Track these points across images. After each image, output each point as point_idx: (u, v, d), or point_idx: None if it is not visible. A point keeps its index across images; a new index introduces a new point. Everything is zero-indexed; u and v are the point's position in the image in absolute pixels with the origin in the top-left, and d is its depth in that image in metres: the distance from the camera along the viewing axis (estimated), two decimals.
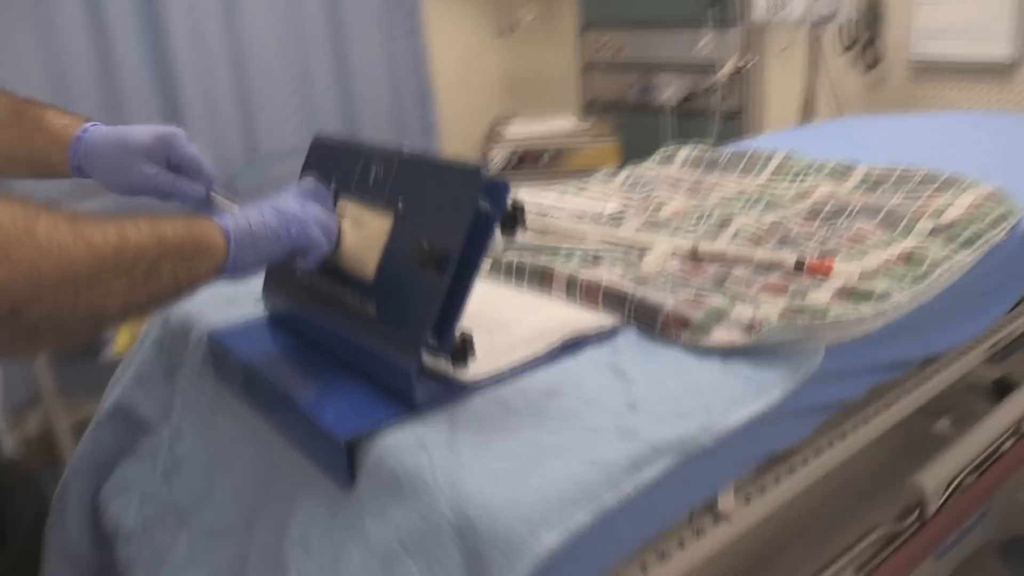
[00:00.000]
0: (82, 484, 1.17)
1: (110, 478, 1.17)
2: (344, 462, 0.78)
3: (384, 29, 2.93)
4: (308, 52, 2.80)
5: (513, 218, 0.82)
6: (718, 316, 0.91)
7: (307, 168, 1.02)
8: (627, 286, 0.99)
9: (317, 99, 2.86)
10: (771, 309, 0.93)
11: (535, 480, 0.69)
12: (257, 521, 0.90)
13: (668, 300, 0.94)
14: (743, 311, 0.91)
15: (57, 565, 1.14)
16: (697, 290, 1.01)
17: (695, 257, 1.14)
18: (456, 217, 0.80)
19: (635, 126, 2.90)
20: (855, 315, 0.91)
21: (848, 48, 2.29)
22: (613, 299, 0.98)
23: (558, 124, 2.86)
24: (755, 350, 0.87)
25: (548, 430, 0.76)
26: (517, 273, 1.10)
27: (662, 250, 1.15)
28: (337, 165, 0.97)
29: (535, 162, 2.72)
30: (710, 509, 0.87)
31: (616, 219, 1.35)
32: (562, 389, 0.83)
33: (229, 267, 0.80)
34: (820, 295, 0.99)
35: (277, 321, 1.05)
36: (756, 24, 2.41)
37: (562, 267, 1.07)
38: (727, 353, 0.88)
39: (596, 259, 1.14)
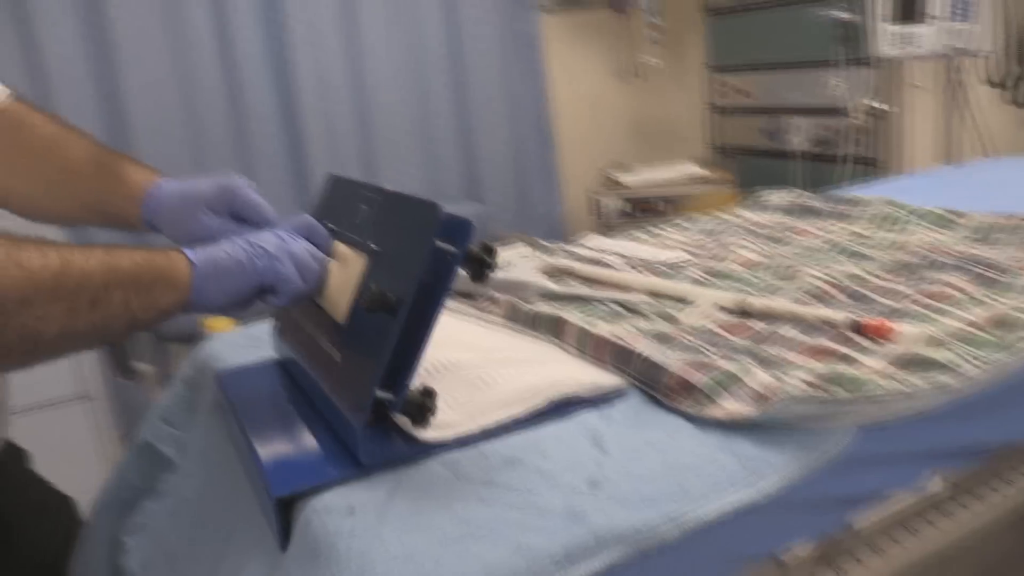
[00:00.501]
0: (107, 518, 1.17)
1: (132, 514, 1.16)
2: (277, 522, 0.72)
3: (505, 71, 2.93)
4: (429, 96, 2.84)
5: (480, 261, 0.74)
6: (729, 382, 0.78)
7: (319, 207, 0.98)
8: (638, 343, 0.87)
9: (437, 143, 2.89)
10: (801, 376, 0.79)
11: (448, 564, 0.60)
12: None
13: (675, 361, 0.82)
14: (761, 378, 0.78)
15: None
16: (725, 350, 0.88)
17: (743, 313, 1.01)
18: (412, 258, 0.73)
19: (763, 172, 2.72)
20: (903, 389, 0.76)
21: (997, 84, 2.04)
22: (620, 356, 0.87)
23: (676, 171, 2.73)
24: (768, 426, 0.73)
25: (490, 504, 0.67)
26: (534, 323, 1.01)
27: (705, 304, 1.02)
28: (339, 204, 0.93)
29: (650, 210, 2.61)
30: None
31: (676, 268, 1.22)
32: (525, 458, 0.73)
33: (194, 300, 0.77)
34: (872, 362, 0.83)
35: (282, 364, 1.02)
36: (889, 61, 2.19)
37: (577, 318, 0.97)
38: (733, 428, 0.74)
39: (631, 312, 1.03)
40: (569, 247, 1.39)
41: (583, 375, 0.85)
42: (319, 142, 2.68)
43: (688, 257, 1.28)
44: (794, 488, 0.69)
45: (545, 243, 1.40)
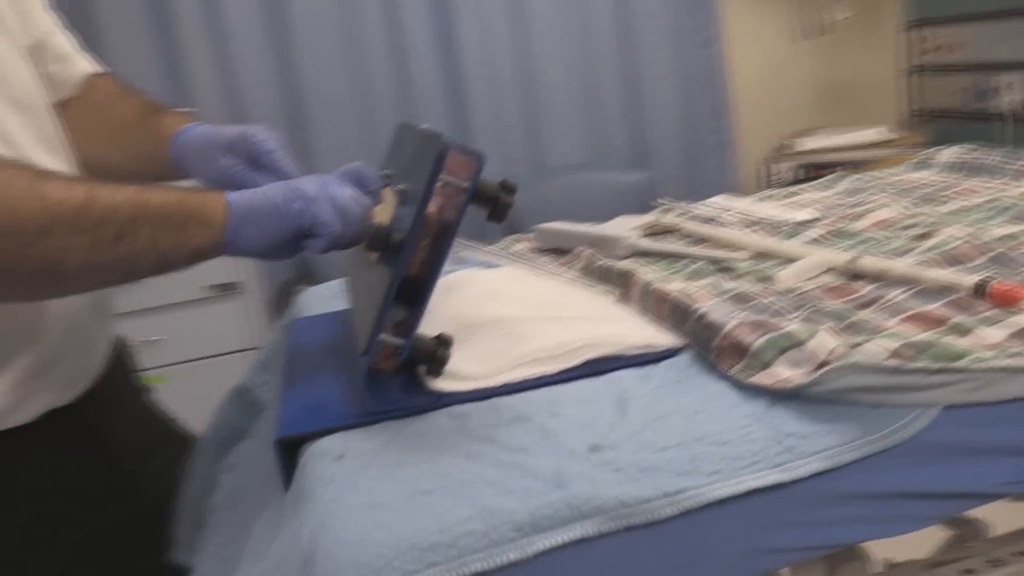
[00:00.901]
0: (208, 455, 1.21)
1: (228, 454, 1.20)
2: (279, 464, 0.69)
3: (678, 38, 2.78)
4: (595, 64, 2.76)
5: (494, 199, 0.67)
6: (787, 345, 0.65)
7: (386, 154, 0.95)
8: (702, 301, 0.76)
9: (604, 112, 2.80)
10: (886, 344, 0.65)
11: (406, 518, 0.54)
12: (248, 521, 0.84)
13: (733, 321, 0.70)
14: (828, 342, 0.65)
15: (184, 525, 1.19)
16: (809, 313, 0.75)
17: (854, 274, 0.86)
18: (417, 196, 0.67)
19: (968, 137, 2.39)
20: (1012, 364, 0.60)
21: None
22: (676, 314, 0.76)
23: (860, 136, 2.46)
24: (826, 400, 0.61)
25: (476, 461, 0.60)
26: (604, 276, 0.92)
27: (807, 264, 0.88)
28: (398, 150, 0.89)
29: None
30: None
31: (799, 228, 1.08)
32: (535, 415, 0.65)
33: (229, 242, 0.76)
34: (990, 332, 0.68)
35: (345, 313, 1.00)
36: None
37: (648, 274, 0.86)
38: (781, 399, 0.62)
39: (722, 271, 0.91)
40: (688, 206, 1.27)
41: (634, 335, 0.76)
42: (485, 116, 2.68)
43: (818, 216, 1.13)
44: (840, 476, 0.57)
45: (666, 202, 1.29)
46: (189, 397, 1.40)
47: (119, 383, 1.03)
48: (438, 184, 0.65)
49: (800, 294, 0.82)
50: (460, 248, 0.77)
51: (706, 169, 2.86)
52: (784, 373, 0.63)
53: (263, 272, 2.41)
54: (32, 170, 0.68)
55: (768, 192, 1.32)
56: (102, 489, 0.94)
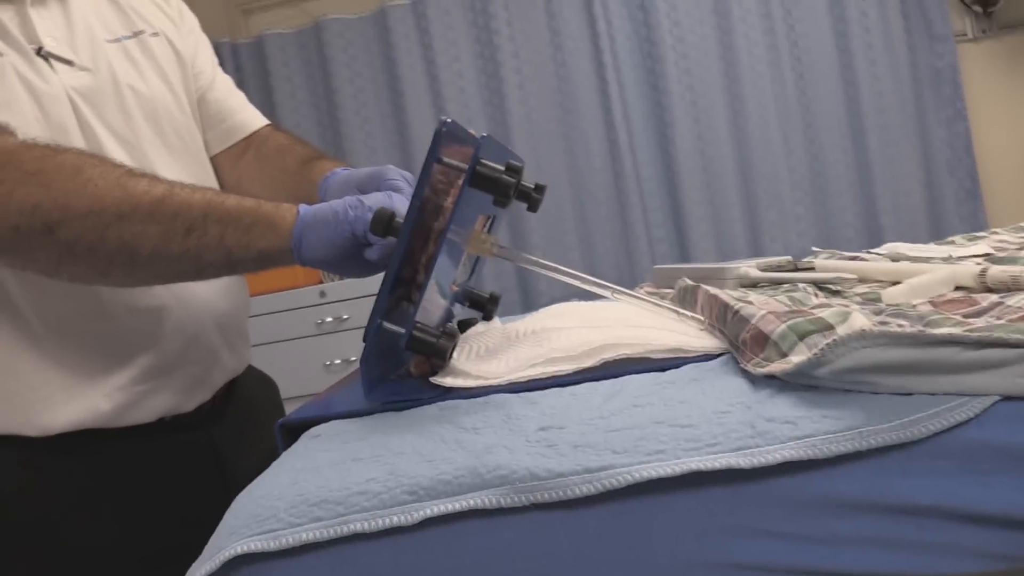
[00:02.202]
0: None
1: None
2: (280, 447, 0.68)
3: (914, 113, 2.55)
4: (821, 148, 2.61)
5: (492, 180, 0.63)
6: (808, 331, 0.53)
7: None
8: (745, 304, 0.66)
9: (831, 199, 2.62)
10: (950, 330, 0.51)
11: (327, 478, 0.50)
12: None
13: (761, 311, 0.59)
14: (857, 322, 0.52)
15: None
16: (885, 316, 0.62)
17: (984, 285, 0.70)
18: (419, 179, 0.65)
19: None
20: None
21: None
22: (720, 315, 0.66)
23: None
24: (839, 387, 0.48)
25: (423, 436, 0.55)
26: (683, 297, 0.82)
27: (928, 280, 0.73)
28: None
29: None
30: None
31: (959, 262, 0.91)
32: (513, 405, 0.58)
33: (295, 248, 0.79)
34: None
35: None
36: None
37: (716, 288, 0.76)
38: (787, 387, 0.51)
39: (831, 293, 0.79)
40: (847, 252, 1.12)
41: (661, 337, 0.66)
42: (700, 207, 2.62)
43: (990, 252, 0.94)
44: (831, 475, 0.44)
45: (816, 248, 1.15)
46: None
47: (251, 410, 1.07)
48: (431, 163, 0.63)
49: (901, 308, 0.68)
50: (568, 277, 0.73)
51: None
52: (796, 359, 0.52)
53: None
54: (127, 168, 0.76)
55: (952, 238, 1.13)
56: (214, 509, 0.98)
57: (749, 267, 0.93)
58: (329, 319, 2.40)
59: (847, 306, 0.61)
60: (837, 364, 0.48)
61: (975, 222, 2.53)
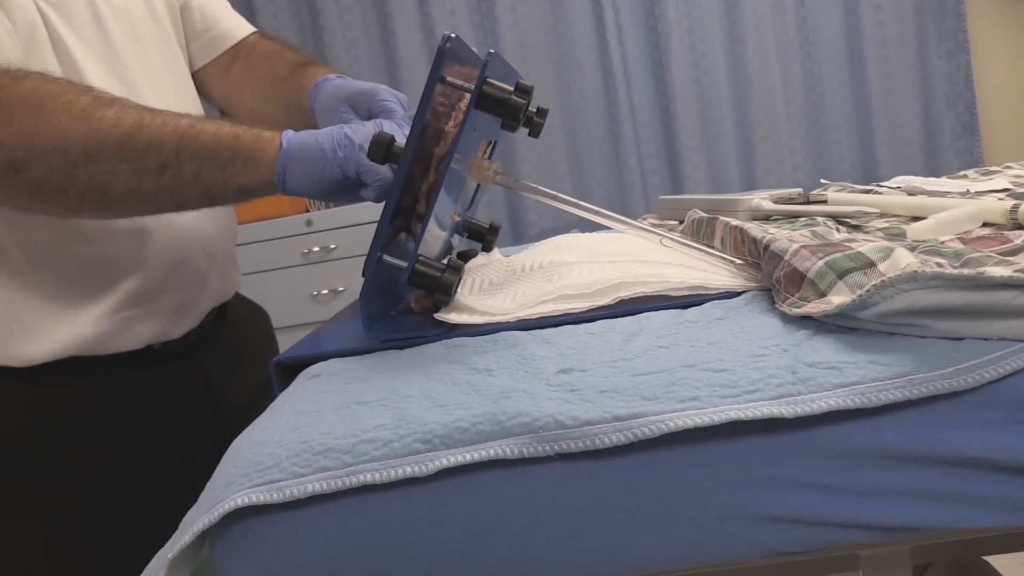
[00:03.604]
0: None
1: None
2: (275, 384, 0.65)
3: (919, 50, 2.49)
4: (818, 80, 2.54)
5: (500, 100, 0.58)
6: (848, 268, 0.49)
7: None
8: (771, 236, 0.62)
9: (827, 132, 2.57)
10: (999, 271, 0.47)
11: (331, 423, 0.47)
12: None
13: (795, 246, 0.56)
14: (901, 259, 0.48)
15: None
16: (919, 252, 0.58)
17: (1015, 222, 0.67)
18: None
19: None
20: None
21: None
22: (753, 248, 0.62)
23: None
24: (886, 330, 0.45)
25: (432, 379, 0.51)
26: (696, 228, 0.79)
27: (955, 215, 0.70)
28: None
29: None
30: None
31: (978, 197, 0.87)
32: (525, 345, 0.55)
33: (278, 182, 0.75)
34: None
35: None
36: None
37: (726, 218, 0.72)
38: (825, 329, 0.47)
39: (843, 226, 0.75)
40: (859, 186, 1.08)
41: (680, 275, 0.63)
42: (695, 137, 2.56)
43: (1008, 187, 0.91)
44: (879, 425, 0.41)
45: (824, 181, 1.12)
46: None
47: (244, 339, 1.04)
48: (434, 82, 0.58)
49: (932, 244, 0.65)
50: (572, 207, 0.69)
51: None
52: (837, 300, 0.48)
53: None
54: (95, 95, 0.70)
55: (964, 172, 1.10)
56: (206, 438, 0.95)
57: (762, 199, 0.89)
58: (316, 248, 2.34)
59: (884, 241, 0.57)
60: (884, 306, 0.44)
61: (971, 158, 2.49)
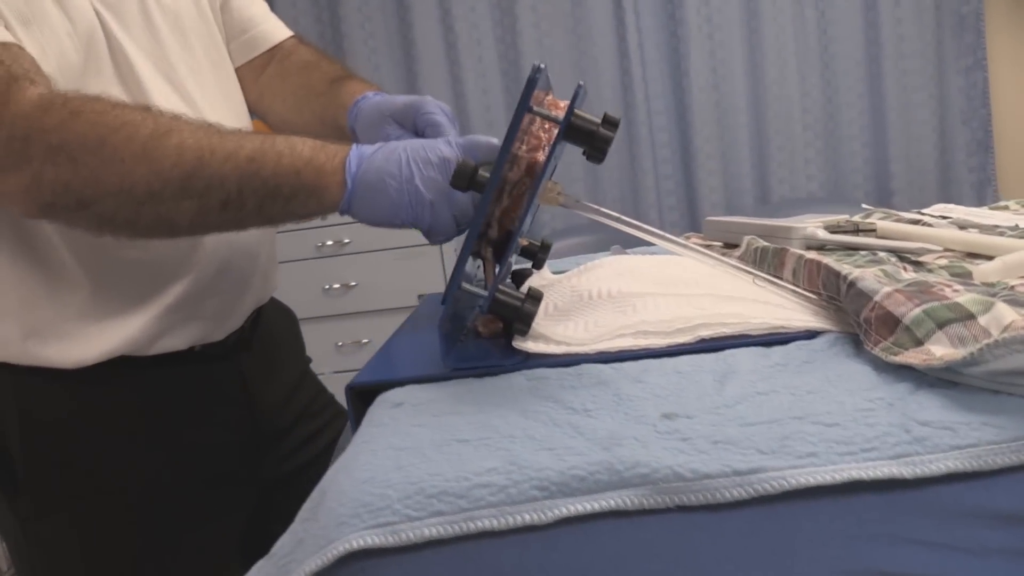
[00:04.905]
0: None
1: None
2: (349, 410, 0.65)
3: (937, 64, 2.50)
4: (836, 92, 2.55)
5: (589, 133, 0.59)
6: (948, 319, 0.50)
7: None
8: (856, 274, 0.62)
9: (843, 144, 2.58)
10: None
11: (431, 462, 0.47)
12: None
13: (885, 288, 0.56)
14: (1007, 316, 0.49)
15: None
16: (1001, 298, 0.58)
17: None
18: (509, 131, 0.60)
19: None
20: None
21: None
22: (830, 281, 0.63)
23: None
24: (987, 386, 0.46)
25: (529, 417, 0.51)
26: (760, 258, 0.79)
27: (1020, 257, 0.70)
28: None
29: None
30: None
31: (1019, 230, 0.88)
32: (618, 381, 0.55)
33: (343, 211, 0.75)
34: None
35: None
36: None
37: (797, 249, 0.73)
38: (930, 383, 0.48)
39: (916, 264, 0.76)
40: (901, 212, 1.09)
41: (761, 314, 0.63)
42: (710, 144, 2.57)
43: None
44: (989, 486, 0.42)
45: (865, 207, 1.12)
46: None
47: (274, 341, 1.05)
48: (522, 113, 0.58)
49: (1003, 289, 0.65)
50: (626, 227, 0.69)
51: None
52: (939, 352, 0.49)
53: None
54: (154, 123, 0.70)
55: (1005, 203, 1.10)
56: (241, 440, 0.96)
57: (815, 226, 0.90)
58: (330, 242, 2.34)
59: (987, 294, 0.57)
60: (994, 365, 0.45)
61: (983, 174, 2.51)
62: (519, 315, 0.61)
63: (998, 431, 0.42)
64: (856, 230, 0.95)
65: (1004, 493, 0.42)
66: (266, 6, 1.05)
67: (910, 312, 0.52)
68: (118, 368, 0.84)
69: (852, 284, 0.58)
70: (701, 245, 1.01)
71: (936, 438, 0.42)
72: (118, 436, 0.86)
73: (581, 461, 0.44)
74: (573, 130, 0.59)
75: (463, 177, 0.61)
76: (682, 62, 2.54)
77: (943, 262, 0.77)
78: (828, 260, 0.64)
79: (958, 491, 0.42)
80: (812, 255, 0.68)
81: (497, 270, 0.62)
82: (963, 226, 0.93)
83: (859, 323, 0.56)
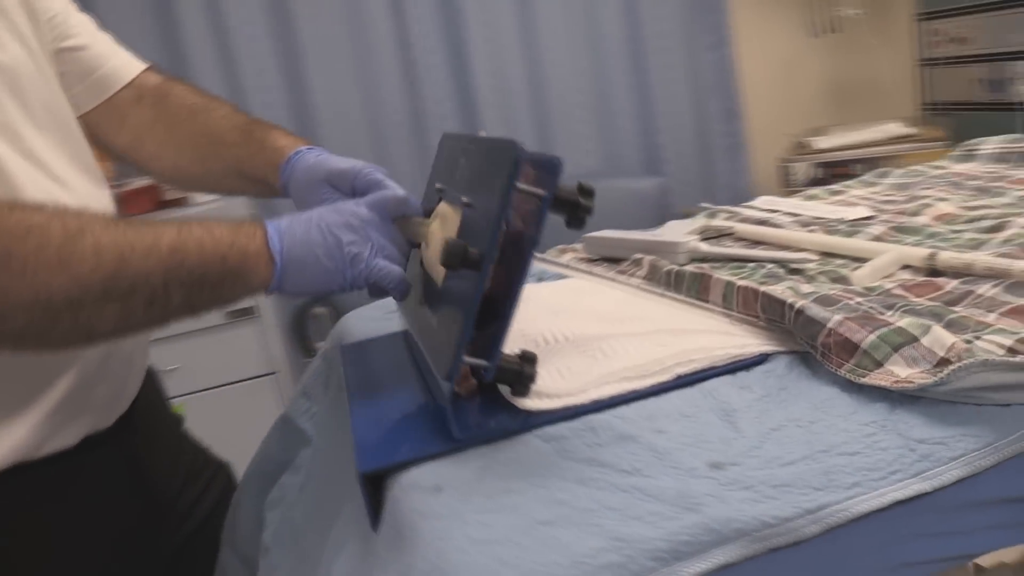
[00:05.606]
0: (252, 490, 1.18)
1: (273, 488, 1.16)
2: (365, 499, 0.66)
3: (688, 42, 2.77)
4: (605, 71, 2.74)
5: (572, 204, 0.64)
6: (901, 342, 0.62)
7: (433, 168, 0.92)
8: (801, 303, 0.73)
9: (616, 120, 2.79)
10: (1000, 340, 0.62)
11: (531, 552, 0.50)
12: (323, 556, 0.80)
13: (836, 315, 0.67)
14: (944, 338, 0.62)
15: (230, 560, 1.15)
16: (903, 312, 0.72)
17: (934, 271, 0.83)
18: (492, 206, 0.64)
19: (984, 129, 2.37)
20: None
21: None
22: (771, 309, 0.73)
23: (877, 132, 2.45)
24: (944, 400, 0.58)
25: (590, 486, 0.56)
26: (676, 282, 0.89)
27: (884, 260, 0.85)
28: (446, 161, 0.86)
29: (845, 176, 2.35)
30: None
31: (857, 226, 1.05)
32: (639, 434, 0.62)
33: (274, 290, 0.74)
34: None
35: (405, 335, 0.96)
36: None
37: (723, 274, 0.83)
38: (901, 400, 0.59)
39: (793, 272, 0.88)
40: (734, 208, 1.24)
41: (721, 344, 0.72)
42: (496, 128, 2.65)
43: (872, 214, 1.10)
44: (978, 482, 0.54)
45: (710, 206, 1.26)
46: (209, 425, 1.35)
47: (153, 411, 1.01)
48: (510, 191, 0.62)
49: (882, 293, 0.79)
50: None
51: (720, 172, 2.84)
52: (900, 372, 0.60)
53: (277, 298, 2.38)
54: (60, 227, 0.64)
55: (811, 191, 1.29)
56: (139, 520, 0.92)
57: (690, 237, 1.01)
58: None
59: (924, 317, 0.70)
60: (955, 384, 0.57)
61: (735, 140, 2.83)
62: (521, 380, 0.65)
63: (976, 439, 0.54)
64: (719, 235, 1.08)
65: (987, 486, 0.54)
66: (110, 40, 0.97)
67: (867, 338, 0.63)
68: (10, 477, 0.77)
69: (800, 312, 0.69)
70: (583, 261, 1.10)
71: (936, 453, 0.54)
72: (30, 552, 0.80)
73: (678, 526, 0.50)
74: (558, 202, 0.64)
75: (456, 257, 0.64)
76: (463, 47, 2.60)
77: (815, 267, 0.90)
78: (769, 289, 0.75)
79: (955, 490, 0.54)
80: (743, 283, 0.78)
81: (498, 339, 0.65)
82: (804, 224, 1.08)
83: (815, 347, 0.67)
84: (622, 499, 0.54)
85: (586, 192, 0.65)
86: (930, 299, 0.76)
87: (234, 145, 0.92)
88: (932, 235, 0.95)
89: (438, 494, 0.60)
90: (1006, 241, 0.86)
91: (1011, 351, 0.60)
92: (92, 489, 0.86)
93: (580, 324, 0.80)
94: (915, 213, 1.05)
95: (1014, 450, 0.54)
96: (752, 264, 0.92)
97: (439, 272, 0.75)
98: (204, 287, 0.69)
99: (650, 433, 0.61)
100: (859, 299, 0.76)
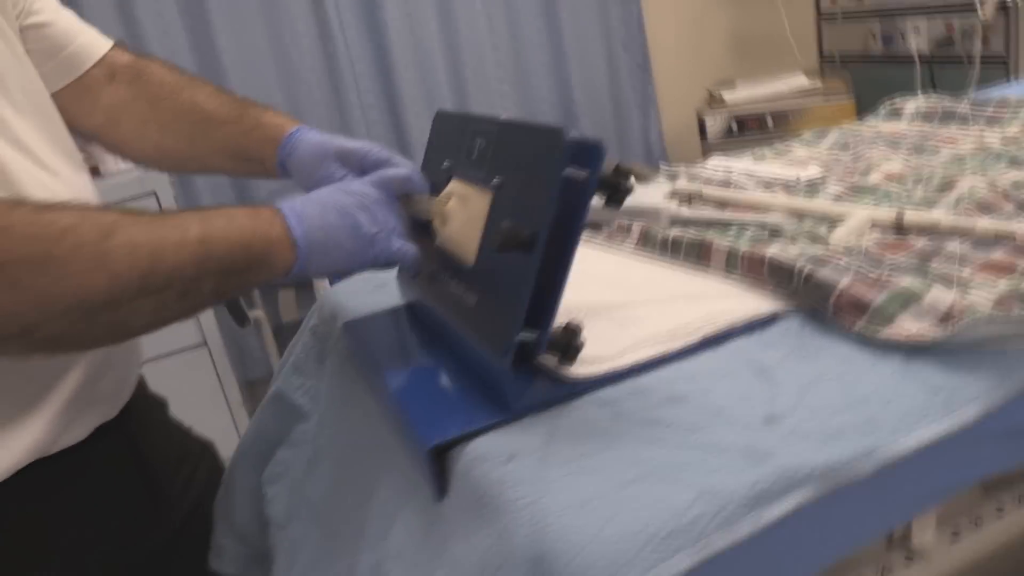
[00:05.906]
0: (247, 466, 1.19)
1: (270, 464, 1.17)
2: (431, 472, 0.69)
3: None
4: (519, 27, 2.76)
5: (615, 185, 0.68)
6: (906, 301, 0.71)
7: (429, 146, 0.94)
8: (798, 260, 0.81)
9: (531, 77, 2.82)
10: (985, 294, 0.71)
11: (628, 509, 0.56)
12: (366, 527, 0.84)
13: (844, 278, 0.75)
14: (942, 296, 0.70)
15: (224, 539, 1.16)
16: (891, 270, 0.80)
17: (900, 229, 0.92)
18: (541, 189, 0.68)
19: (879, 81, 2.54)
20: None
21: None
22: (779, 273, 0.81)
23: (784, 84, 2.58)
24: (951, 349, 0.67)
25: (659, 445, 0.62)
26: (673, 249, 0.95)
27: (858, 221, 0.94)
28: (453, 140, 0.89)
29: (758, 127, 2.48)
30: (903, 543, 0.69)
31: (813, 186, 1.14)
32: (687, 394, 0.68)
33: (296, 273, 0.75)
34: None
35: (410, 309, 0.99)
36: None
37: (723, 241, 0.90)
38: (912, 352, 0.68)
39: (774, 234, 0.96)
40: (692, 170, 1.31)
41: (737, 305, 0.79)
42: (413, 88, 2.64)
43: (823, 172, 1.19)
44: (992, 417, 0.63)
45: (666, 167, 1.33)
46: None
47: (144, 397, 1.01)
48: (564, 176, 0.66)
49: (861, 252, 0.88)
50: None
51: (633, 127, 2.93)
52: (911, 327, 0.68)
53: None
54: (93, 226, 0.64)
55: (760, 151, 1.38)
56: (141, 506, 0.93)
57: (674, 205, 1.08)
58: None
59: (923, 275, 0.79)
60: (963, 337, 0.65)
61: (645, 93, 2.92)
62: (571, 349, 0.70)
63: (986, 382, 0.64)
64: (689, 198, 1.15)
65: (996, 420, 0.63)
66: (74, 16, 0.94)
67: (877, 298, 0.71)
68: (30, 475, 0.77)
69: (810, 276, 0.76)
70: None
71: (956, 396, 0.62)
72: (34, 541, 0.80)
73: (756, 475, 0.56)
74: (603, 184, 0.68)
75: (515, 240, 0.68)
76: (377, 9, 2.57)
77: (792, 229, 0.98)
78: (775, 253, 0.82)
79: (977, 425, 0.62)
80: (748, 249, 0.85)
81: (548, 314, 0.69)
82: (767, 185, 1.17)
83: (826, 307, 0.74)
84: (694, 455, 0.60)
85: (624, 174, 0.70)
86: (907, 256, 0.85)
87: (226, 123, 0.91)
88: (887, 194, 1.04)
89: (512, 462, 0.64)
90: (959, 200, 0.96)
91: (998, 304, 0.69)
92: (100, 480, 0.87)
93: (598, 294, 0.86)
94: (865, 172, 1.15)
95: (1017, 389, 0.64)
96: (736, 228, 1.00)
97: (468, 250, 0.78)
98: (232, 275, 0.70)
99: (698, 392, 0.68)
100: (845, 259, 0.85)
